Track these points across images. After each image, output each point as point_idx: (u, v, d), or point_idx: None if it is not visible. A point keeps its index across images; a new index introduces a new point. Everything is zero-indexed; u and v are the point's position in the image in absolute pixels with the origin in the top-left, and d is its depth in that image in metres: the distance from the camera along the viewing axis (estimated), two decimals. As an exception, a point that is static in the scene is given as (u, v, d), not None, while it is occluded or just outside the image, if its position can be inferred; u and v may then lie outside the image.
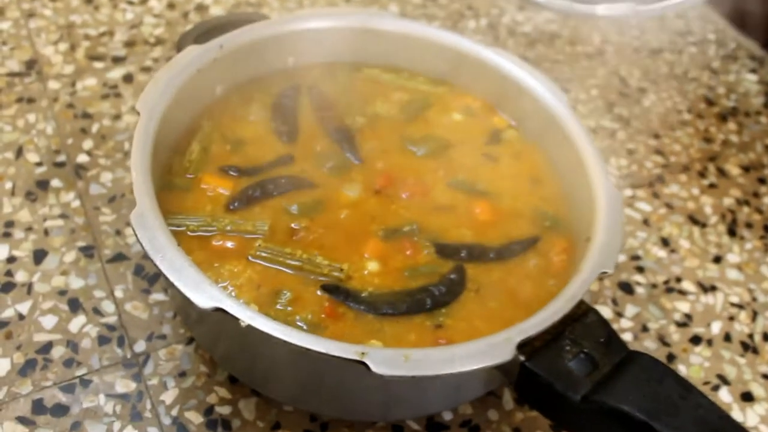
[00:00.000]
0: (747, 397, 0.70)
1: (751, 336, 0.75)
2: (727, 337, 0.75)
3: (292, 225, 0.61)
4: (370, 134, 0.71)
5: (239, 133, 0.68)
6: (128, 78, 0.87)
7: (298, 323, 0.55)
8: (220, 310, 0.48)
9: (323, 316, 0.55)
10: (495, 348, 0.50)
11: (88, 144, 0.79)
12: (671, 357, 0.72)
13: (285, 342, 0.47)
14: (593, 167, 0.65)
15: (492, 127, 0.74)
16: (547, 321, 0.52)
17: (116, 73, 0.87)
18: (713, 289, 0.79)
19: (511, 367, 0.51)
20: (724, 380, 0.71)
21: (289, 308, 0.55)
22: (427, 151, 0.70)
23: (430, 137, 0.71)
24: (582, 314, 0.55)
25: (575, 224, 0.65)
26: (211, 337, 0.60)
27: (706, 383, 0.71)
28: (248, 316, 0.48)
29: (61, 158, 0.77)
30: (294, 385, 0.57)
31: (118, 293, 0.66)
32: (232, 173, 0.64)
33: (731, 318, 0.76)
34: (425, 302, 0.57)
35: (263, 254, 0.58)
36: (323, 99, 0.73)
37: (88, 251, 0.69)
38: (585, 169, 0.66)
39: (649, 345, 0.73)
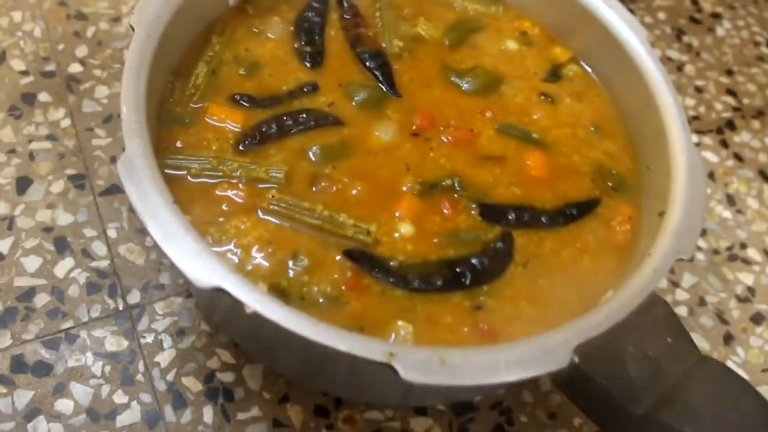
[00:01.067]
0: (812, 389, 0.63)
1: (821, 318, 0.67)
2: (795, 318, 0.66)
3: (314, 171, 0.51)
4: (408, 62, 0.60)
5: (255, 52, 0.57)
6: (129, -28, 0.75)
7: (315, 294, 0.46)
8: (221, 290, 0.40)
9: (344, 288, 0.47)
10: (549, 353, 0.42)
11: (82, 51, 0.68)
12: (729, 337, 0.64)
13: (298, 335, 0.39)
14: (672, 123, 0.55)
15: (551, 59, 0.63)
16: (612, 319, 0.44)
17: (116, -35, 0.75)
18: (782, 258, 0.70)
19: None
20: (787, 368, 0.63)
21: (305, 277, 0.47)
22: (475, 85, 0.59)
23: (479, 69, 0.60)
24: (649, 306, 0.46)
25: (644, 189, 0.56)
26: (211, 307, 0.52)
27: (764, 370, 0.63)
28: (255, 299, 0.40)
29: (51, 67, 0.67)
30: (306, 369, 0.50)
31: (111, 233, 0.58)
32: (244, 103, 0.54)
33: (801, 296, 0.68)
34: (465, 277, 0.49)
35: (277, 208, 0.49)
36: (356, 14, 0.61)
37: (78, 181, 0.60)
38: (662, 124, 0.55)
39: (705, 322, 0.65)
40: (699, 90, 0.81)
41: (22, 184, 0.60)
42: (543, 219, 0.53)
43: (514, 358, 0.41)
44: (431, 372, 0.39)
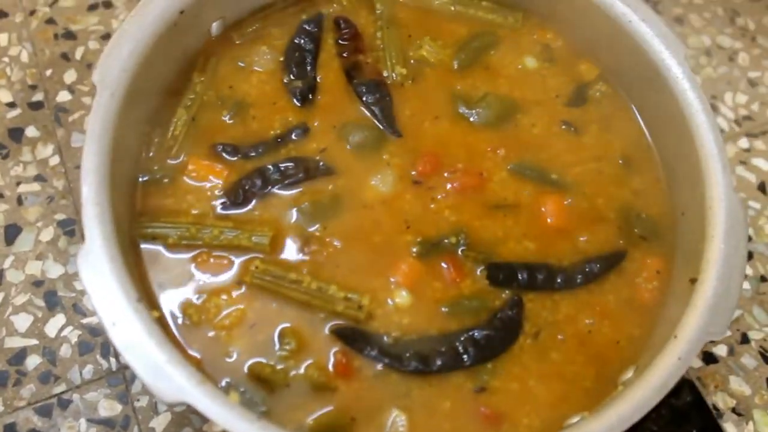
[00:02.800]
0: None
1: None
2: None
3: (302, 234, 0.47)
4: (411, 92, 0.53)
5: (240, 90, 0.52)
6: (121, -21, 0.70)
7: (301, 381, 0.43)
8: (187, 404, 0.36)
9: (332, 372, 0.43)
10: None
11: (70, 76, 0.64)
12: (774, 381, 0.58)
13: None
14: (711, 163, 0.48)
15: (576, 78, 0.56)
16: (631, 419, 0.39)
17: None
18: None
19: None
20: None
21: (291, 361, 0.43)
22: (487, 117, 0.53)
23: (491, 97, 0.53)
24: (675, 393, 0.41)
25: (678, 239, 0.49)
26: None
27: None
28: (223, 415, 0.36)
29: (38, 97, 0.63)
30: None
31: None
32: (227, 155, 0.49)
33: None
34: (467, 353, 0.44)
35: (261, 282, 0.45)
36: (355, 36, 0.55)
37: (68, 227, 0.57)
38: (699, 163, 0.48)
39: (747, 362, 0.59)
40: (753, 83, 0.72)
41: (11, 232, 0.57)
42: (559, 279, 0.48)
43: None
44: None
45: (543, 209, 0.50)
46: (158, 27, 0.47)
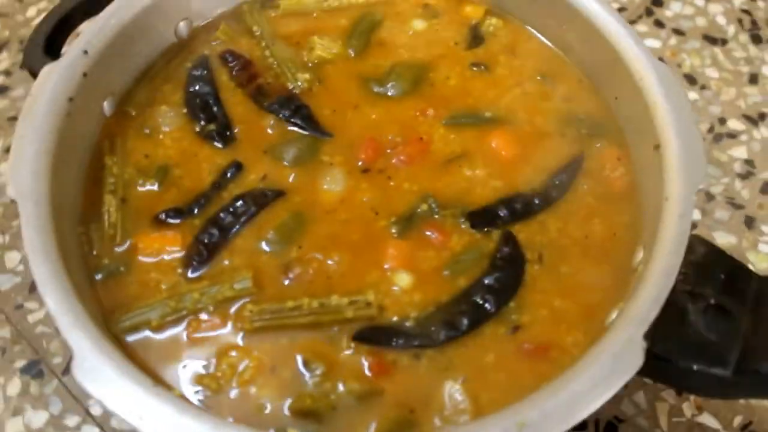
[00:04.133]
0: None
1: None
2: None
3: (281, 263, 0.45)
4: (323, 92, 0.53)
5: (158, 155, 0.50)
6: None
7: (345, 398, 0.41)
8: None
9: (371, 375, 0.41)
10: (621, 358, 0.37)
11: (-30, 224, 0.60)
12: (750, 221, 0.61)
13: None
14: (623, 41, 0.49)
15: (466, 22, 0.57)
16: (666, 287, 0.39)
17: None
18: (763, 117, 0.66)
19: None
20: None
21: (327, 384, 0.41)
22: (402, 87, 0.53)
23: (398, 67, 0.54)
24: (687, 251, 0.41)
25: (622, 122, 0.51)
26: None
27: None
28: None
29: (-55, 255, 0.58)
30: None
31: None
32: (172, 221, 0.47)
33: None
34: (486, 302, 0.43)
35: (261, 323, 0.43)
36: (246, 64, 0.54)
37: (32, 370, 0.53)
38: (611, 47, 0.50)
39: (720, 215, 0.61)
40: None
41: (-25, 399, 0.52)
42: (536, 201, 0.48)
43: (588, 383, 0.36)
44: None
45: (493, 146, 0.50)
46: (53, 121, 0.45)
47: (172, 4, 0.53)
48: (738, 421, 0.52)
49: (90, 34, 0.48)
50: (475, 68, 0.54)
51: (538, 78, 0.54)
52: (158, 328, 0.43)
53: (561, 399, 0.36)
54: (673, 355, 0.39)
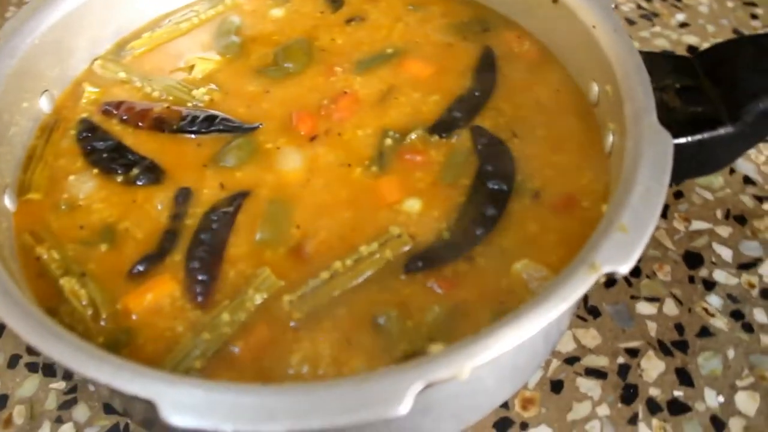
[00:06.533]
0: None
1: None
2: None
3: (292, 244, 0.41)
4: (224, 97, 0.50)
5: (95, 221, 0.43)
6: None
7: (436, 326, 0.38)
8: None
9: (443, 292, 0.39)
10: (654, 147, 0.38)
11: None
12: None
13: None
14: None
15: (316, -8, 0.57)
16: (646, 79, 0.41)
17: None
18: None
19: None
20: None
21: (409, 323, 0.38)
22: (298, 60, 0.52)
23: (283, 49, 0.53)
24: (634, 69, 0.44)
25: (499, 8, 0.54)
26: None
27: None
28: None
29: None
30: None
31: None
32: (152, 267, 0.41)
33: None
34: (499, 185, 0.43)
35: (308, 307, 0.38)
36: (128, 108, 0.49)
37: None
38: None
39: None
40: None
41: None
42: (477, 94, 0.49)
43: (641, 189, 0.37)
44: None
45: (411, 72, 0.51)
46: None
47: (28, 79, 0.47)
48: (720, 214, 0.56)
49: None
50: (352, 23, 0.55)
51: (410, 8, 0.56)
52: (204, 370, 0.36)
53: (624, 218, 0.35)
54: (681, 135, 0.42)
